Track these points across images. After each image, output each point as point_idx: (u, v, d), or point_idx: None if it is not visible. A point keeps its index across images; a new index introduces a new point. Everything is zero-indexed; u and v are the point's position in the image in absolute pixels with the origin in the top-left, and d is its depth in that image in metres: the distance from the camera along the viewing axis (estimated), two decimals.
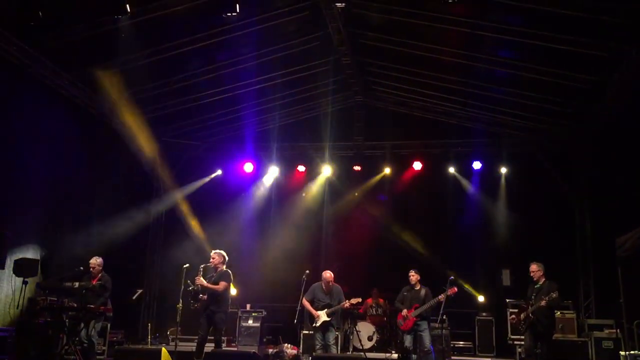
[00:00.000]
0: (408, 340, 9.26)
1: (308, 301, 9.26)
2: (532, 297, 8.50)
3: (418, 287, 9.41)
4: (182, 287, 8.71)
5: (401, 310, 9.36)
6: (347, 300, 9.17)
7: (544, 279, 8.53)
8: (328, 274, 9.38)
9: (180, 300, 8.72)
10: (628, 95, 9.72)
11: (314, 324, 9.13)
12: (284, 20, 10.24)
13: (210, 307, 8.57)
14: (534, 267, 8.68)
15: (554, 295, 8.13)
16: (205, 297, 8.54)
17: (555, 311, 10.35)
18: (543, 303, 8.18)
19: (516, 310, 8.98)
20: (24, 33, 9.22)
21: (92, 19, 9.22)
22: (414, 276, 9.46)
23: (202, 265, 8.69)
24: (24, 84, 10.01)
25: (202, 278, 8.50)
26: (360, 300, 9.42)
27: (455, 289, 9.10)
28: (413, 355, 9.25)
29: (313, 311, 9.18)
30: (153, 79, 11.33)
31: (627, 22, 8.25)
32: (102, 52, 10.13)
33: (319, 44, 11.09)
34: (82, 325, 8.63)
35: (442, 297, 9.00)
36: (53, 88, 10.57)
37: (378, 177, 13.83)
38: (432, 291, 9.37)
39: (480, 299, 12.45)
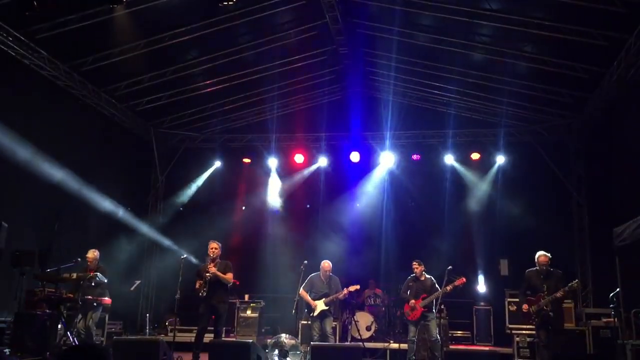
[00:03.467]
0: (413, 332, 9.23)
1: (306, 292, 9.32)
2: (544, 288, 8.38)
3: (423, 278, 9.35)
4: (180, 278, 8.72)
5: (408, 301, 9.33)
6: (345, 288, 9.22)
7: (550, 269, 8.52)
8: (326, 264, 9.43)
9: (178, 291, 8.72)
10: (627, 84, 9.68)
11: (311, 314, 9.20)
12: (281, 10, 10.17)
13: (216, 297, 8.60)
14: (545, 258, 8.56)
15: (575, 284, 8.17)
16: (206, 287, 8.55)
17: None
18: (560, 294, 8.18)
19: (517, 300, 8.91)
20: (19, 23, 9.17)
21: (87, 9, 9.15)
22: (417, 268, 9.40)
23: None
24: (18, 74, 9.96)
25: (214, 267, 8.55)
26: (358, 287, 9.43)
27: (464, 279, 9.05)
28: (414, 346, 9.28)
29: (311, 301, 9.25)
30: (149, 69, 11.29)
31: (626, 11, 8.20)
32: (98, 42, 10.09)
33: (316, 33, 11.03)
34: (80, 316, 8.65)
35: (449, 287, 8.97)
36: (49, 79, 10.53)
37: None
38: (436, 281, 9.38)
39: (482, 289, 12.45)
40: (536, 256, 8.62)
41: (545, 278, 8.46)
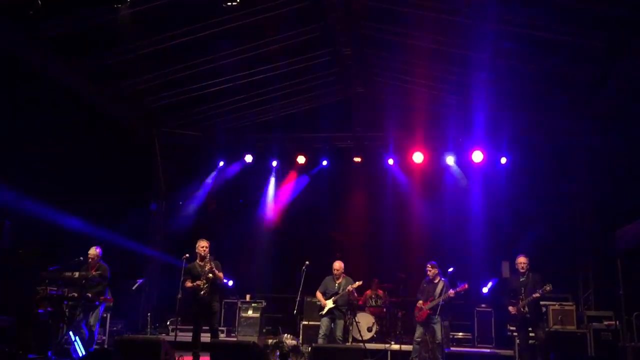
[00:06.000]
0: (419, 332, 9.36)
1: (321, 293, 9.47)
2: (522, 290, 8.48)
3: (437, 281, 9.46)
4: (182, 277, 8.74)
5: (417, 302, 9.48)
6: (350, 286, 9.29)
7: (528, 272, 8.60)
8: (336, 264, 9.60)
9: (180, 291, 8.74)
10: (628, 85, 9.67)
11: (320, 312, 9.31)
12: (284, 10, 10.17)
13: (212, 296, 8.63)
14: (524, 259, 8.67)
15: (548, 287, 8.21)
16: (208, 287, 8.56)
17: (554, 303, 10.45)
18: (537, 295, 8.24)
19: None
20: (22, 22, 9.19)
21: (91, 8, 9.17)
22: (430, 270, 9.51)
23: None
24: (21, 73, 9.99)
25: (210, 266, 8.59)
26: (361, 283, 9.49)
27: (466, 285, 9.13)
28: (416, 346, 9.35)
29: (322, 300, 9.38)
30: (152, 69, 11.31)
31: (628, 12, 8.19)
32: (101, 42, 10.11)
33: (319, 34, 11.03)
34: (82, 314, 8.67)
35: (452, 293, 9.06)
36: (51, 77, 10.56)
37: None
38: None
39: (484, 290, 12.39)
40: (516, 260, 8.74)
41: (523, 281, 8.54)
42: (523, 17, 9.26)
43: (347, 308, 9.63)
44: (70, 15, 9.20)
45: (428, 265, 9.58)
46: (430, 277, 9.50)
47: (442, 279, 9.45)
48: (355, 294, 9.47)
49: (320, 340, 9.24)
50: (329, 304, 9.33)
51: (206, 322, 8.71)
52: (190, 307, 8.89)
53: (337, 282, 9.50)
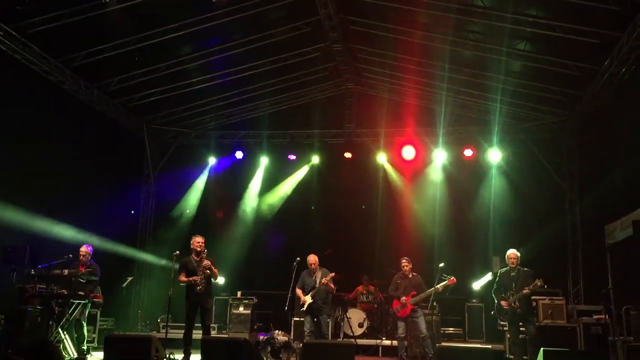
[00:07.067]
0: (402, 328, 9.32)
1: (300, 289, 9.33)
2: (512, 285, 8.49)
3: (411, 275, 9.45)
4: (172, 274, 8.70)
5: (398, 298, 9.40)
6: (324, 278, 9.15)
7: (518, 266, 8.62)
8: (311, 258, 9.35)
9: (171, 288, 8.69)
10: (619, 82, 9.71)
11: (302, 309, 9.23)
12: (274, 6, 10.14)
13: (207, 292, 8.58)
14: (514, 254, 8.68)
15: (539, 283, 8.23)
16: (204, 283, 8.53)
17: (544, 297, 10.50)
18: (527, 291, 8.26)
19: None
20: (10, 18, 9.11)
21: (79, 4, 9.10)
22: (407, 265, 9.48)
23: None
24: (10, 69, 9.91)
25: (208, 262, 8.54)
26: (334, 274, 9.34)
27: (455, 279, 9.12)
28: (405, 342, 9.35)
29: (302, 296, 9.26)
30: (141, 65, 11.24)
31: (619, 9, 8.23)
32: (90, 37, 10.04)
33: (310, 30, 11.00)
34: (72, 312, 8.60)
35: (441, 287, 9.05)
36: (39, 73, 10.47)
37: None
38: (425, 279, 9.45)
39: (476, 286, 12.39)
40: (506, 254, 8.74)
41: (514, 276, 8.56)
42: (514, 12, 9.28)
43: (325, 301, 9.46)
44: (58, 11, 9.14)
45: (404, 260, 9.53)
46: (406, 272, 9.47)
47: (415, 274, 9.49)
48: (332, 285, 9.30)
49: (307, 339, 9.15)
50: (308, 299, 9.23)
51: (199, 318, 8.66)
52: (182, 304, 8.83)
53: (314, 275, 9.37)
